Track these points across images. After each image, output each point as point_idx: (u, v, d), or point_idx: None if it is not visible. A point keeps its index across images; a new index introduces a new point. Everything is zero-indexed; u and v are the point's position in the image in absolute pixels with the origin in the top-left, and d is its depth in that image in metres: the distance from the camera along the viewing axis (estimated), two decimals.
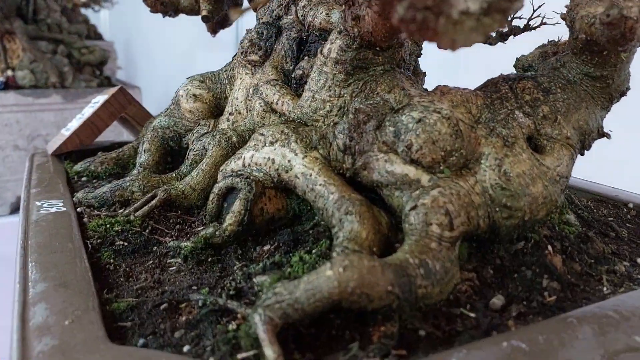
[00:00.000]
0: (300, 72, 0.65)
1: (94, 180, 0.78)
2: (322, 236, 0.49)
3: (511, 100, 0.53)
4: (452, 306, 0.42)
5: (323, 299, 0.35)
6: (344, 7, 0.54)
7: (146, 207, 0.59)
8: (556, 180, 0.49)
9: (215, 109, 0.80)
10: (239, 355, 0.34)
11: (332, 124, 0.55)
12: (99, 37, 2.85)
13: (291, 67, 0.69)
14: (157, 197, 0.60)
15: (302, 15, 0.69)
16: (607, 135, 0.56)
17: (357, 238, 0.44)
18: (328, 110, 0.56)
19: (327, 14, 0.65)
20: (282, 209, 0.53)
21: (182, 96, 0.80)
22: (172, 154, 0.79)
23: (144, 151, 0.76)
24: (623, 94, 0.56)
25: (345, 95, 0.55)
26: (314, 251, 0.47)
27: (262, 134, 0.55)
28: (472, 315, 0.41)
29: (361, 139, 0.50)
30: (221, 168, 0.59)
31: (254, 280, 0.42)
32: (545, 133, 0.52)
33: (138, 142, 0.84)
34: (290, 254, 0.48)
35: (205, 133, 0.70)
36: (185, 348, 0.36)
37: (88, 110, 0.90)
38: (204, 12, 0.93)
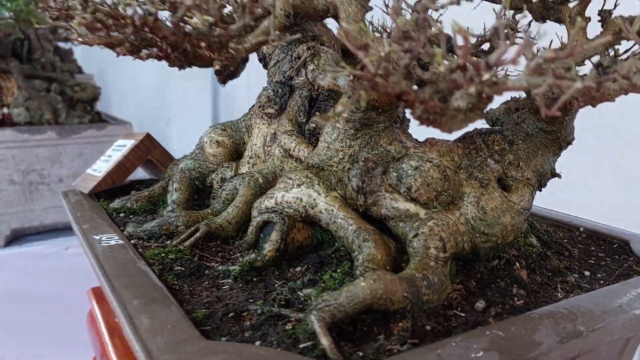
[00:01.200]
0: (314, 125, 0.80)
1: (131, 216, 0.90)
2: (344, 259, 0.63)
3: (484, 150, 0.68)
4: (447, 308, 0.56)
5: (359, 303, 0.49)
6: (353, 79, 0.68)
7: (192, 239, 0.72)
8: (520, 212, 0.65)
9: (235, 153, 0.94)
10: (301, 345, 0.48)
11: (344, 169, 0.70)
12: (79, 70, 2.94)
13: (304, 120, 0.84)
14: (201, 230, 0.73)
15: (312, 78, 0.84)
16: (558, 176, 0.72)
17: (373, 259, 0.58)
18: (341, 157, 0.71)
19: (334, 77, 0.80)
20: (308, 238, 0.67)
21: (206, 142, 0.93)
22: (197, 191, 0.92)
23: (175, 190, 0.89)
24: (569, 143, 0.72)
25: (355, 146, 0.70)
26: (339, 270, 0.60)
27: (290, 178, 0.69)
28: (462, 315, 0.55)
29: (371, 182, 0.65)
30: (255, 205, 0.72)
31: (301, 292, 0.56)
32: (511, 175, 0.67)
33: (165, 182, 0.97)
34: (319, 273, 0.61)
35: (235, 175, 0.84)
36: (257, 343, 0.49)
37: (115, 154, 1.02)
38: (217, 67, 1.07)
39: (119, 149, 1.05)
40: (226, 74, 1.10)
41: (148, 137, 1.00)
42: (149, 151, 1.00)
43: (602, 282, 0.66)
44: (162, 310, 0.52)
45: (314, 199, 0.66)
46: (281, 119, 0.86)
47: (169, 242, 0.74)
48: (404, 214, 0.62)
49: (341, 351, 0.46)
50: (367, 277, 0.50)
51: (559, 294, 0.62)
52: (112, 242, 0.72)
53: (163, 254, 0.69)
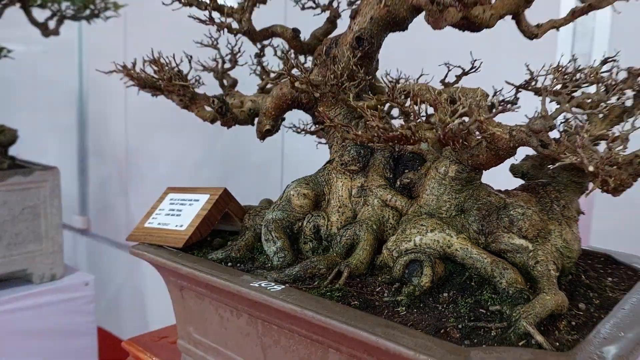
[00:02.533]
0: (408, 180, 1.01)
1: (238, 265, 1.00)
2: (481, 284, 0.85)
3: (546, 198, 0.96)
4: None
5: (548, 310, 0.72)
6: (457, 147, 0.92)
7: (343, 278, 0.88)
8: (580, 240, 0.93)
9: (316, 203, 1.09)
10: (519, 343, 0.69)
11: (451, 215, 0.92)
12: None
13: (390, 176, 1.05)
14: (346, 271, 0.89)
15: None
16: (583, 213, 1.03)
17: (516, 282, 0.81)
18: (448, 207, 0.93)
19: (418, 146, 1.02)
20: (443, 270, 0.88)
21: (293, 195, 1.08)
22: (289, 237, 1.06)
23: (277, 238, 1.02)
24: (587, 188, 1.04)
25: (460, 198, 0.93)
26: (486, 293, 0.82)
27: (422, 225, 0.89)
28: (580, 313, 0.81)
29: (488, 225, 0.88)
30: (389, 247, 0.91)
31: (492, 308, 0.76)
32: (565, 215, 0.96)
33: (252, 232, 1.08)
34: (467, 296, 0.83)
35: (350, 223, 1.00)
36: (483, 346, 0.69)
37: (188, 208, 1.11)
38: (267, 127, 1.23)
39: (190, 203, 1.13)
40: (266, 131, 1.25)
41: (226, 192, 1.11)
42: (227, 204, 1.11)
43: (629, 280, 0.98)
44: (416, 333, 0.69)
45: (449, 240, 0.88)
46: (369, 175, 1.05)
47: (315, 283, 0.88)
48: (519, 248, 0.86)
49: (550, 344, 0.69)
50: (548, 292, 0.73)
51: (612, 294, 0.91)
52: (278, 288, 0.85)
53: (329, 293, 0.84)
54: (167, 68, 1.14)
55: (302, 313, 0.77)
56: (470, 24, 0.97)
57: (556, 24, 1.08)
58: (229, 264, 1.00)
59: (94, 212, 3.75)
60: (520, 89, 1.05)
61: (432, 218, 0.91)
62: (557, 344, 0.70)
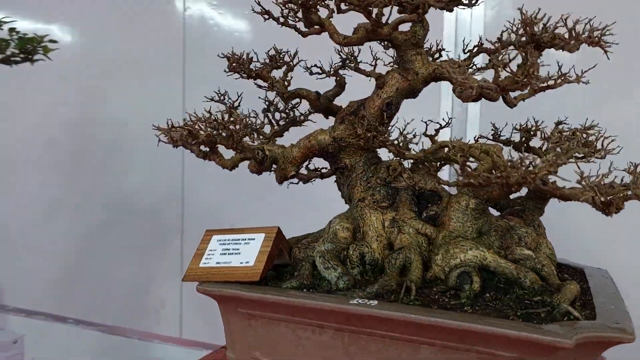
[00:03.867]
0: (433, 212, 1.30)
1: (311, 290, 1.19)
2: (511, 284, 1.17)
3: (527, 220, 1.33)
4: None
5: (573, 295, 1.06)
6: (476, 187, 1.24)
7: (413, 291, 1.13)
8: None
9: (354, 235, 1.33)
10: (564, 319, 1.01)
11: (473, 237, 1.24)
12: None
13: (415, 209, 1.33)
14: (413, 286, 1.14)
15: (413, 182, 1.35)
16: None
17: (536, 281, 1.15)
18: (471, 231, 1.25)
19: (434, 183, 1.33)
20: (481, 277, 1.18)
21: (338, 229, 1.31)
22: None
23: (337, 265, 1.23)
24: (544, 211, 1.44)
25: (478, 223, 1.26)
26: (516, 290, 1.14)
27: (463, 245, 1.19)
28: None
29: (505, 242, 1.22)
30: (439, 263, 1.19)
31: (535, 298, 1.08)
32: (540, 232, 1.34)
33: (309, 263, 1.28)
34: (501, 293, 1.14)
35: (400, 248, 1.25)
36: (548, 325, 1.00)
37: (253, 247, 1.27)
38: (292, 173, 1.44)
39: (246, 242, 1.29)
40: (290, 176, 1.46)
41: (279, 230, 1.29)
42: (281, 241, 1.29)
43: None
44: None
45: (484, 255, 1.19)
46: (399, 209, 1.33)
47: (392, 297, 1.13)
48: (528, 257, 1.21)
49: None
50: (570, 283, 1.07)
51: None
52: (374, 302, 1.07)
53: (411, 302, 1.09)
54: (221, 123, 1.29)
55: (410, 317, 1.00)
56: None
57: None
58: (304, 290, 1.19)
59: None
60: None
61: (467, 240, 1.22)
62: (584, 316, 1.04)
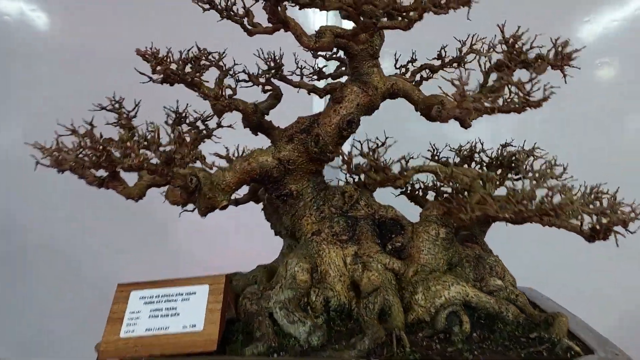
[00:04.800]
0: (399, 244, 1.16)
1: (281, 353, 0.95)
2: (492, 319, 1.08)
3: (480, 244, 1.27)
4: None
5: (567, 327, 1.01)
6: (450, 212, 1.14)
7: (405, 340, 0.97)
8: None
9: (312, 276, 1.12)
10: (567, 355, 0.96)
11: (444, 269, 1.14)
12: None
13: (379, 241, 1.17)
14: (402, 335, 0.98)
15: (372, 211, 1.19)
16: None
17: (518, 314, 1.08)
18: (442, 263, 1.14)
19: (394, 213, 1.19)
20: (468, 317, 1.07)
21: (297, 271, 1.09)
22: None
23: (304, 317, 1.01)
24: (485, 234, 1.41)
25: (448, 254, 1.15)
26: (499, 325, 1.06)
27: (444, 281, 1.07)
28: None
29: (479, 273, 1.13)
30: (422, 304, 1.05)
31: (532, 335, 1.00)
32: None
33: (266, 316, 1.03)
34: (492, 331, 1.05)
35: (375, 290, 1.07)
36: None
37: (197, 304, 0.98)
38: (224, 203, 1.18)
39: (184, 298, 0.99)
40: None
41: (227, 279, 1.02)
42: (228, 292, 1.03)
43: None
44: None
45: (466, 291, 1.08)
46: (362, 243, 1.15)
47: (385, 351, 0.95)
48: (500, 287, 1.14)
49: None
50: (559, 315, 1.02)
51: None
52: None
53: (410, 356, 0.93)
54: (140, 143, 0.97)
55: None
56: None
57: None
58: (275, 355, 0.95)
59: None
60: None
61: (446, 274, 1.10)
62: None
